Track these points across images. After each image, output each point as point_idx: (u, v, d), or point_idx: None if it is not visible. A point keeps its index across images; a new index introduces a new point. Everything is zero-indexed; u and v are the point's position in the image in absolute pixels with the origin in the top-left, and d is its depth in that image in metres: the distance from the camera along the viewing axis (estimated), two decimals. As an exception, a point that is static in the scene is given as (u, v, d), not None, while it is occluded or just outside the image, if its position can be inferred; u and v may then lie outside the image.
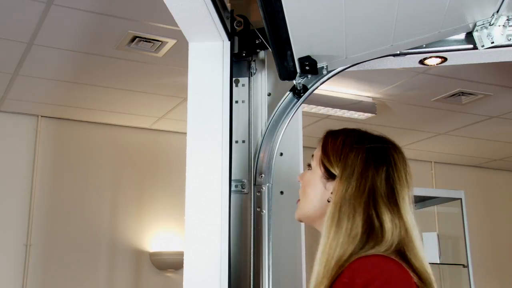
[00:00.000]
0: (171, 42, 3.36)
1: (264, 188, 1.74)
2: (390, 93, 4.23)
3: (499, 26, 1.56)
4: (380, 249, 1.12)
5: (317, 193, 1.29)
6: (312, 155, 1.35)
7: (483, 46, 1.60)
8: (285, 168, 1.83)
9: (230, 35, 1.75)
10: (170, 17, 1.60)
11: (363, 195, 1.18)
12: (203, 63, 1.74)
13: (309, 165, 1.34)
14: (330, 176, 1.26)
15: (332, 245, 1.15)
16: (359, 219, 1.16)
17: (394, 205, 1.18)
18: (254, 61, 1.84)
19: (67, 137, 4.74)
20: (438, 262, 4.43)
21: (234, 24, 1.79)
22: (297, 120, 1.87)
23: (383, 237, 1.13)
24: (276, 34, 1.49)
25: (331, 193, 1.24)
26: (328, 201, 1.25)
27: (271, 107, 1.80)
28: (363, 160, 1.22)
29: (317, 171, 1.30)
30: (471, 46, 1.65)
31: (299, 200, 1.36)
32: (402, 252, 1.14)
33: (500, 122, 4.88)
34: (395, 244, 1.14)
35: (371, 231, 1.14)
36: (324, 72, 1.68)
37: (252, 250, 1.71)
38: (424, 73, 3.84)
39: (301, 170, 1.87)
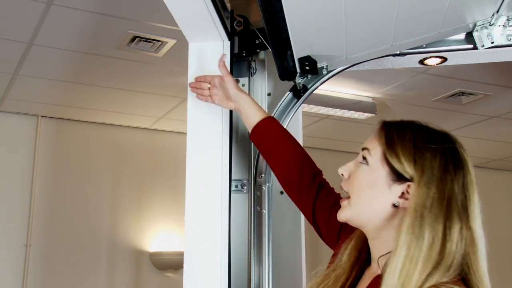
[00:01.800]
0: (171, 42, 3.35)
1: (264, 188, 1.74)
2: (390, 93, 4.23)
3: (499, 26, 1.56)
4: (449, 272, 1.02)
5: (377, 194, 1.14)
6: (366, 148, 1.18)
7: (483, 46, 1.60)
8: (285, 168, 1.83)
9: (230, 35, 1.75)
10: (170, 17, 1.60)
11: (443, 203, 1.06)
12: (203, 63, 1.74)
13: (364, 159, 1.17)
14: (398, 177, 1.12)
15: (413, 258, 1.02)
16: (440, 231, 1.04)
17: (465, 212, 1.07)
18: (254, 61, 1.84)
19: (67, 137, 4.74)
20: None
21: (234, 24, 1.79)
22: (297, 120, 1.87)
23: (449, 250, 1.03)
24: (276, 34, 1.49)
25: (399, 197, 1.12)
26: (395, 206, 1.12)
27: (271, 107, 1.80)
28: (442, 163, 1.10)
29: (379, 170, 1.14)
30: (471, 46, 1.65)
31: (348, 198, 1.19)
32: (466, 276, 1.05)
33: (500, 122, 4.87)
34: (459, 261, 1.04)
35: (446, 244, 1.04)
36: (324, 72, 1.68)
37: (252, 250, 1.71)
38: (424, 73, 3.83)
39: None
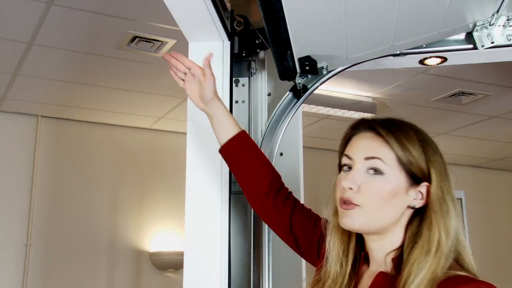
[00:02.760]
0: (171, 42, 3.35)
1: (264, 188, 1.73)
2: (390, 93, 4.23)
3: (499, 26, 1.56)
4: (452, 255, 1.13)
5: (395, 200, 1.14)
6: (374, 157, 1.15)
7: (483, 46, 1.61)
8: (285, 168, 1.83)
9: (230, 35, 1.75)
10: (170, 17, 1.60)
11: (450, 196, 1.16)
12: (203, 63, 1.73)
13: (376, 170, 1.14)
14: (416, 181, 1.15)
15: (438, 252, 1.10)
16: (453, 222, 1.14)
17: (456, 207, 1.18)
18: (254, 61, 1.84)
19: (67, 137, 4.74)
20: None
21: (234, 24, 1.79)
22: (297, 120, 1.87)
23: (459, 238, 1.15)
24: (276, 34, 1.49)
25: (414, 198, 1.15)
26: (409, 207, 1.16)
27: (271, 107, 1.80)
28: (441, 160, 1.19)
29: (398, 177, 1.14)
30: (471, 46, 1.65)
31: (353, 205, 1.15)
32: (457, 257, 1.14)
33: (500, 122, 4.87)
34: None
35: (457, 232, 1.15)
36: (324, 72, 1.68)
37: (252, 250, 1.71)
38: (424, 73, 3.83)
39: (301, 170, 1.86)
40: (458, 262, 1.13)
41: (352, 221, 1.15)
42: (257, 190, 1.49)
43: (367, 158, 1.15)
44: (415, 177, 1.15)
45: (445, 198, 1.14)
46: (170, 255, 4.73)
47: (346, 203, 1.15)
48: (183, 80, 1.54)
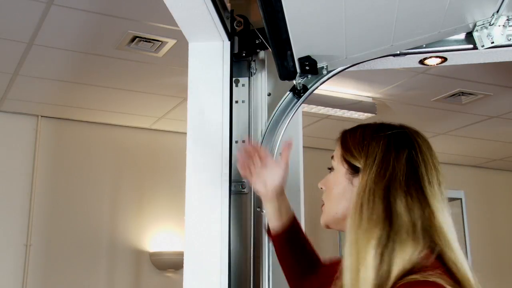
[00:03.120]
0: (171, 42, 3.36)
1: (264, 188, 1.74)
2: (390, 93, 4.23)
3: (499, 26, 1.56)
4: (416, 244, 1.04)
5: (343, 192, 1.21)
6: (332, 157, 1.27)
7: (483, 46, 1.60)
8: (285, 168, 1.83)
9: (230, 35, 1.75)
10: (170, 17, 1.60)
11: (382, 180, 1.10)
12: (203, 63, 1.74)
13: (330, 168, 1.26)
14: (355, 171, 1.18)
15: (359, 240, 1.06)
16: (379, 204, 1.08)
17: (415, 188, 1.10)
18: (254, 61, 1.84)
19: (67, 137, 4.74)
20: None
21: (234, 24, 1.79)
22: (297, 120, 1.87)
23: (397, 222, 1.06)
24: (276, 34, 1.49)
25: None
26: None
27: (271, 107, 1.80)
28: (384, 146, 1.16)
29: (341, 169, 1.22)
30: (471, 46, 1.65)
31: (323, 205, 1.27)
32: (439, 247, 1.06)
33: (500, 122, 4.88)
34: (422, 239, 1.05)
35: (392, 217, 1.06)
36: (324, 72, 1.68)
37: (252, 250, 1.71)
38: (424, 73, 3.84)
39: (301, 171, 1.87)
40: (441, 254, 1.07)
41: (321, 220, 1.27)
42: (300, 277, 1.50)
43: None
44: (355, 167, 1.19)
45: (371, 183, 1.11)
46: (170, 255, 4.73)
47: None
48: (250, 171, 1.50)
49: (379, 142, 1.16)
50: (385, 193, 1.09)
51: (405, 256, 1.02)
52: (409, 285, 0.98)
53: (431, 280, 0.98)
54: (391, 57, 1.70)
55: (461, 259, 1.07)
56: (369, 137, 1.19)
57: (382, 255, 1.03)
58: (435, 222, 1.08)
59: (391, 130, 1.19)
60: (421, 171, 1.13)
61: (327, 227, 1.27)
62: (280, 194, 1.49)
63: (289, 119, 1.73)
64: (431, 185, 1.12)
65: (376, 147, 1.16)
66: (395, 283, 1.00)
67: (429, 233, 1.07)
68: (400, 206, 1.08)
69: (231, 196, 1.68)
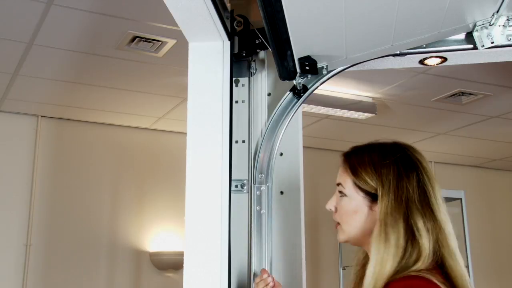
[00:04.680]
0: (171, 42, 3.36)
1: (264, 188, 1.74)
2: (390, 93, 4.23)
3: (499, 26, 1.56)
4: (419, 264, 1.18)
5: (364, 218, 1.31)
6: (339, 184, 1.35)
7: (483, 46, 1.60)
8: (285, 168, 1.83)
9: (230, 35, 1.76)
10: (170, 17, 1.60)
11: (401, 205, 1.23)
12: (203, 63, 1.74)
13: (341, 192, 1.34)
14: (372, 198, 1.29)
15: (384, 258, 1.19)
16: (402, 229, 1.21)
17: (427, 207, 1.24)
18: (254, 61, 1.84)
19: (67, 137, 4.74)
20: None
21: (234, 24, 1.79)
22: (297, 120, 1.87)
23: (421, 245, 1.20)
24: (276, 34, 1.49)
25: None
26: None
27: (271, 107, 1.80)
28: (396, 172, 1.27)
29: (356, 197, 1.31)
30: (471, 46, 1.65)
31: (338, 224, 1.37)
32: (442, 262, 1.21)
33: (500, 122, 4.88)
34: (432, 251, 1.20)
35: (413, 240, 1.20)
36: (324, 72, 1.68)
37: (252, 250, 1.71)
38: (424, 73, 3.84)
39: (301, 170, 1.87)
40: (442, 260, 1.22)
41: (339, 237, 1.37)
42: None
43: (337, 184, 1.37)
44: (372, 194, 1.29)
45: (391, 208, 1.24)
46: (170, 255, 4.73)
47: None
48: None
49: (390, 169, 1.28)
50: (405, 219, 1.23)
51: (419, 266, 1.18)
52: (402, 279, 1.15)
53: (420, 275, 1.15)
54: (391, 57, 1.70)
55: (461, 268, 1.22)
56: (379, 165, 1.29)
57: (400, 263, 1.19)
58: (443, 234, 1.23)
59: (394, 153, 1.30)
60: (428, 189, 1.27)
61: (345, 242, 1.38)
62: None
63: (289, 119, 1.73)
64: (436, 200, 1.26)
65: (389, 175, 1.27)
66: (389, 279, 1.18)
67: (438, 244, 1.22)
68: (420, 225, 1.22)
69: (231, 196, 1.68)
